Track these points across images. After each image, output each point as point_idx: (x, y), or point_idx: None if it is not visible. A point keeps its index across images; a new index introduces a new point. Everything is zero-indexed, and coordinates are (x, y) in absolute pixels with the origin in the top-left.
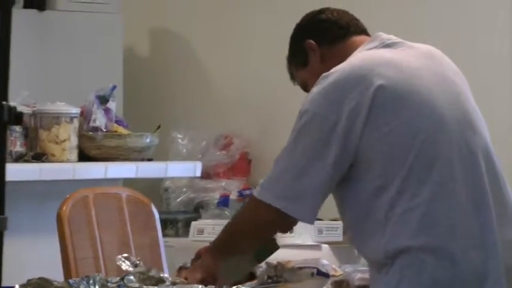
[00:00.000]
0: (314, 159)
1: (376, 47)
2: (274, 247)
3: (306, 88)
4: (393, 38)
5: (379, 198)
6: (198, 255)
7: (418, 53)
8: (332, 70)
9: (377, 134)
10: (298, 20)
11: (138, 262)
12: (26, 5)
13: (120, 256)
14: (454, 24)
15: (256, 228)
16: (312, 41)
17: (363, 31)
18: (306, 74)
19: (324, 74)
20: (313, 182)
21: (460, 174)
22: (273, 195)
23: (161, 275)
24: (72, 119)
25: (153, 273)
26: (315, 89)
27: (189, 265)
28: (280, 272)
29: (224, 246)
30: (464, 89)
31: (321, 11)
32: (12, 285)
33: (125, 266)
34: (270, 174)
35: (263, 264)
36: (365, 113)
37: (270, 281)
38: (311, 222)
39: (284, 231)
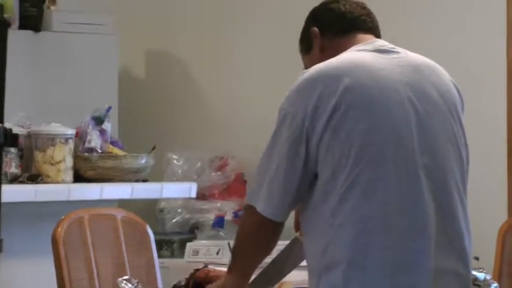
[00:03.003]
0: (287, 160)
1: (365, 50)
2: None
3: None
4: (388, 45)
5: (325, 203)
6: (211, 279)
7: (406, 64)
8: (311, 67)
9: (334, 136)
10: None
11: (138, 284)
12: (22, 26)
13: (120, 279)
14: (448, 37)
15: (250, 232)
16: (316, 29)
17: (370, 29)
18: (308, 61)
19: (303, 71)
20: (286, 182)
21: (403, 197)
22: (256, 198)
23: None
24: (67, 140)
25: None
26: (292, 86)
27: (183, 283)
28: None
29: (236, 261)
30: (443, 111)
31: (336, 0)
32: None
33: None
34: (255, 177)
35: None
36: (328, 113)
37: None
38: (283, 220)
39: (276, 234)
